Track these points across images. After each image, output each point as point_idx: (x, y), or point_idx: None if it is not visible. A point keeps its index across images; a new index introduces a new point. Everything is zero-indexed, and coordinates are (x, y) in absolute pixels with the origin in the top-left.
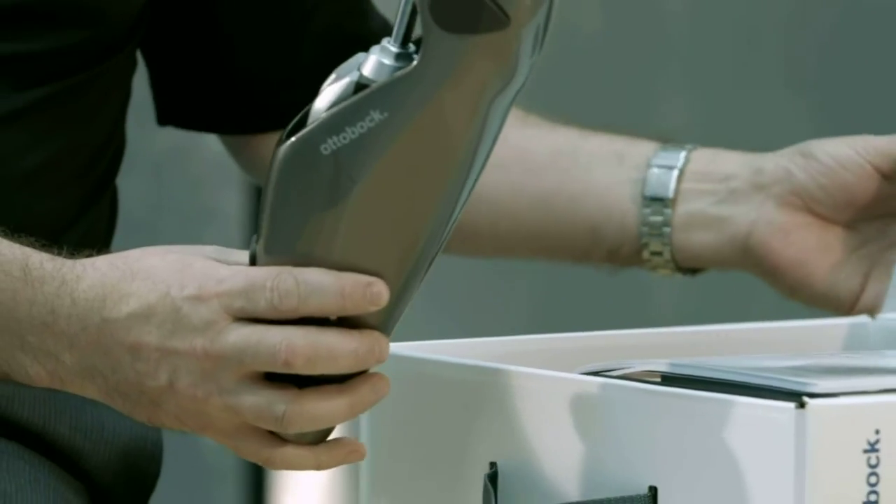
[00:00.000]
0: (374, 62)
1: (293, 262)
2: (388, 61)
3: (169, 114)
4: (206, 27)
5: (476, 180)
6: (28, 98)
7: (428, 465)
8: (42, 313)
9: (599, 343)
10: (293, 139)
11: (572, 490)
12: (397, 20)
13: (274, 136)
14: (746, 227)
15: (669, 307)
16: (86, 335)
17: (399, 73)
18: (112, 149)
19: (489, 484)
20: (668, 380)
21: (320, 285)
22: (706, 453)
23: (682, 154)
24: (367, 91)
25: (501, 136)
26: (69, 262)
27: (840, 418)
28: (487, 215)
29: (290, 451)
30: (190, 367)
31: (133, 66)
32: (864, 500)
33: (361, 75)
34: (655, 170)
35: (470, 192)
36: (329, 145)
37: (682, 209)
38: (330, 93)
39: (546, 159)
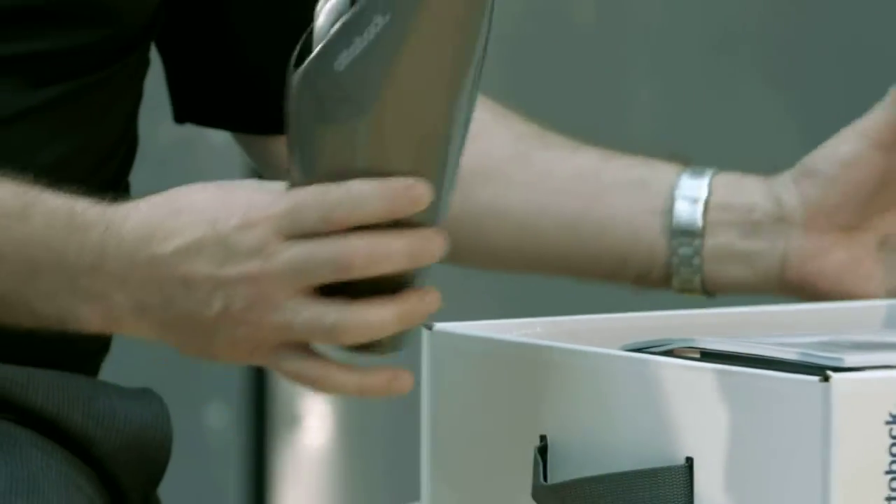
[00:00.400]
0: None
1: (330, 180)
2: None
3: (185, 111)
4: (219, 26)
5: (483, 62)
6: (43, 96)
7: (483, 438)
8: (91, 256)
9: (642, 324)
10: (305, 63)
11: (614, 461)
12: None
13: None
14: (778, 259)
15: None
16: (136, 273)
17: None
18: (124, 147)
19: (539, 456)
20: (707, 356)
21: (366, 194)
22: (738, 425)
23: (705, 183)
24: None
25: (524, 156)
26: (112, 207)
27: (863, 391)
28: (513, 234)
29: (334, 372)
30: (244, 293)
31: (146, 65)
32: (887, 469)
33: None
34: (681, 201)
35: (480, 73)
36: (342, 60)
37: (711, 242)
38: (328, 11)
39: (569, 182)
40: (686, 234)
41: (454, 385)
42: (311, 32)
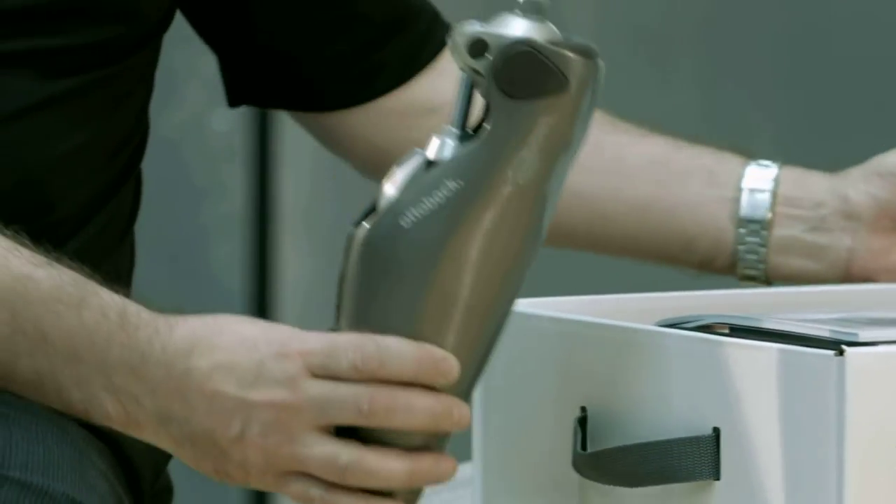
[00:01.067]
0: (436, 144)
1: (371, 331)
2: (451, 141)
3: (235, 95)
4: (242, 15)
5: (542, 240)
6: (61, 87)
7: (529, 408)
8: (132, 357)
9: (676, 303)
10: (374, 217)
11: (648, 431)
12: (455, 107)
13: (344, 112)
14: (845, 254)
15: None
16: (169, 382)
17: (470, 144)
18: (137, 137)
19: (578, 426)
20: (735, 331)
21: (400, 352)
22: (761, 397)
23: (772, 175)
24: (441, 164)
25: (596, 141)
26: (163, 315)
27: (876, 365)
28: (585, 216)
29: (343, 499)
30: (265, 418)
31: (157, 57)
32: None
33: (428, 157)
34: (749, 192)
35: (534, 258)
36: (409, 218)
37: (778, 233)
38: (400, 174)
39: (641, 168)
40: (754, 222)
41: (504, 358)
42: (375, 199)
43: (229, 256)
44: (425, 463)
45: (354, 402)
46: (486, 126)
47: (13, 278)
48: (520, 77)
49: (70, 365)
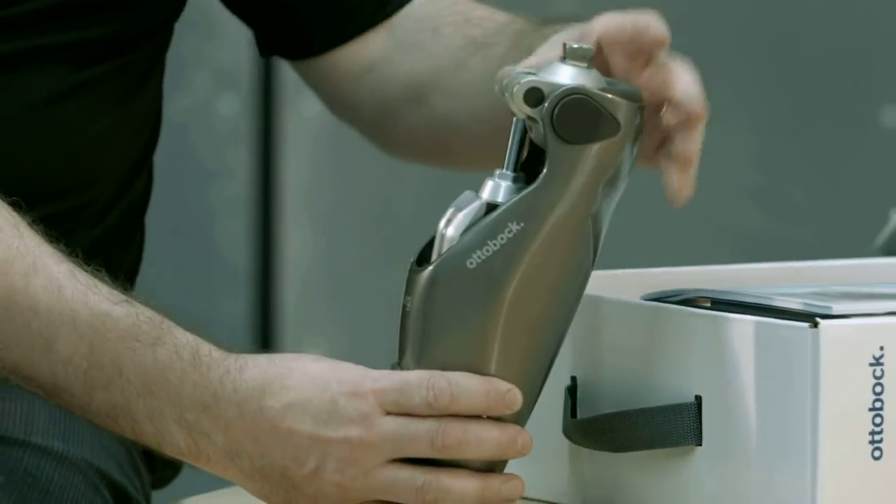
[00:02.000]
0: (492, 187)
1: (438, 367)
2: (506, 183)
3: (263, 48)
4: None
5: (588, 279)
6: (89, 74)
7: None
8: (205, 395)
9: (660, 278)
10: (441, 258)
11: (634, 399)
12: (508, 151)
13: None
14: None
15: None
16: (241, 420)
17: (529, 187)
18: (151, 122)
19: (569, 395)
20: (717, 304)
21: (469, 387)
22: (741, 367)
23: None
24: (502, 207)
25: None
26: (234, 355)
27: (848, 336)
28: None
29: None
30: (340, 455)
31: (170, 39)
32: (870, 406)
33: (486, 200)
34: None
35: (588, 279)
36: (474, 259)
37: None
38: (461, 217)
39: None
40: None
41: None
42: (430, 242)
43: (235, 235)
44: (495, 482)
45: (428, 436)
46: (544, 170)
47: (92, 315)
48: (575, 123)
49: (144, 399)
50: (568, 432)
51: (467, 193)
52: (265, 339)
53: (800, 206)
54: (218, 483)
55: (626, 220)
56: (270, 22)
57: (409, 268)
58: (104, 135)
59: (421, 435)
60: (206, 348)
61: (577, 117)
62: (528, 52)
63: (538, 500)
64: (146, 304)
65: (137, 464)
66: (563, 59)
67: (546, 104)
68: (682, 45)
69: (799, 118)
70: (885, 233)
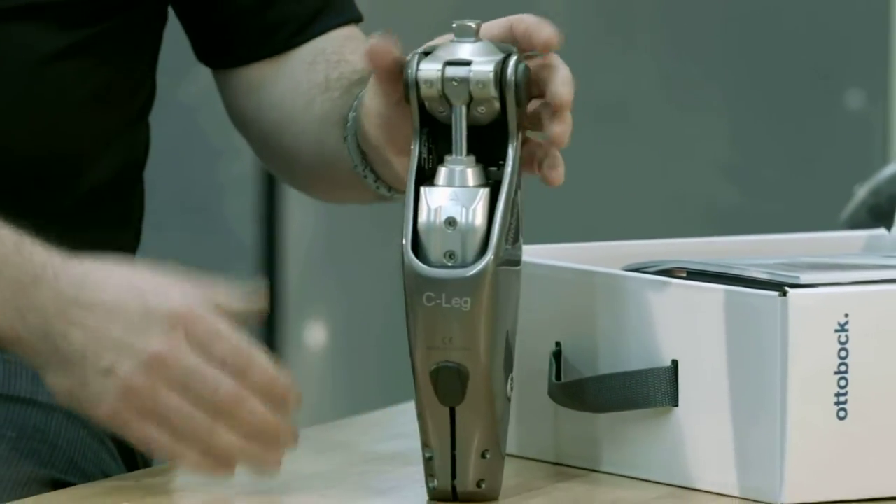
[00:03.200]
0: (462, 172)
1: (508, 353)
2: (472, 167)
3: (198, 55)
4: None
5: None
6: (73, 37)
7: None
8: (25, 276)
9: (641, 250)
10: (491, 252)
11: (615, 363)
12: (458, 137)
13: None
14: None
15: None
16: (56, 305)
17: (509, 159)
18: (146, 87)
19: (553, 359)
20: (692, 274)
21: (265, 367)
22: (714, 333)
23: None
24: (506, 184)
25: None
26: (59, 252)
27: (815, 304)
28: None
29: (188, 451)
30: (136, 361)
31: (163, 16)
32: (836, 370)
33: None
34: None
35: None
36: (509, 239)
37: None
38: (482, 209)
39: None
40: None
41: None
42: (416, 244)
43: (242, 211)
44: (258, 448)
45: (215, 382)
46: (514, 142)
47: None
48: (525, 88)
49: None
50: (553, 394)
51: (454, 190)
52: (269, 310)
53: (770, 183)
54: None
55: (608, 198)
56: (198, 30)
57: (412, 270)
58: (96, 95)
59: (209, 377)
60: (30, 241)
61: (527, 84)
62: (355, 98)
63: (525, 458)
64: None
65: None
66: (454, 39)
67: (508, 79)
68: (659, 30)
69: (770, 100)
70: (850, 207)
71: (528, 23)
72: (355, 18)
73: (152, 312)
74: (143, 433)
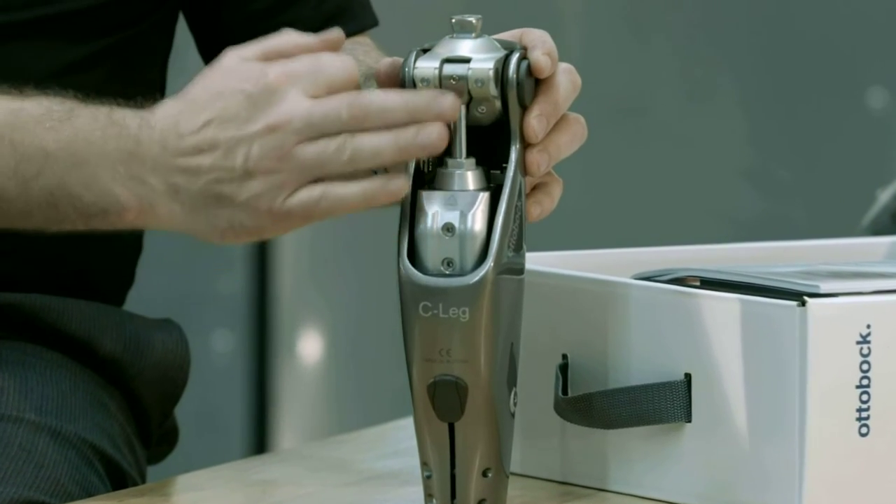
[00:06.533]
0: (462, 176)
1: (512, 361)
2: (472, 170)
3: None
4: None
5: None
6: (87, 50)
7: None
8: (128, 143)
9: (650, 257)
10: (491, 260)
11: (624, 376)
12: (460, 139)
13: None
14: None
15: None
16: (166, 154)
17: (511, 163)
18: (157, 87)
19: (560, 372)
20: (706, 283)
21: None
22: (729, 345)
23: None
24: (507, 190)
25: None
26: (143, 108)
27: (835, 314)
28: None
29: (338, 188)
30: (263, 142)
31: (176, 17)
32: (857, 383)
33: (479, 188)
34: None
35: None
36: (511, 244)
37: None
38: (481, 215)
39: None
40: None
41: None
42: (412, 250)
43: None
44: (409, 131)
45: (336, 109)
46: (517, 144)
47: (5, 112)
48: (529, 86)
49: (76, 171)
50: (559, 409)
51: (453, 194)
52: (262, 315)
53: (789, 186)
54: (213, 459)
55: (619, 202)
56: (205, 32)
57: (408, 279)
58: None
59: (329, 107)
60: (118, 109)
61: (529, 81)
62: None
63: (530, 477)
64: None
65: (132, 440)
66: (453, 35)
67: (510, 76)
68: (674, 30)
69: (788, 100)
70: (872, 212)
71: (534, 35)
72: (370, 25)
73: (251, 94)
74: (308, 197)
